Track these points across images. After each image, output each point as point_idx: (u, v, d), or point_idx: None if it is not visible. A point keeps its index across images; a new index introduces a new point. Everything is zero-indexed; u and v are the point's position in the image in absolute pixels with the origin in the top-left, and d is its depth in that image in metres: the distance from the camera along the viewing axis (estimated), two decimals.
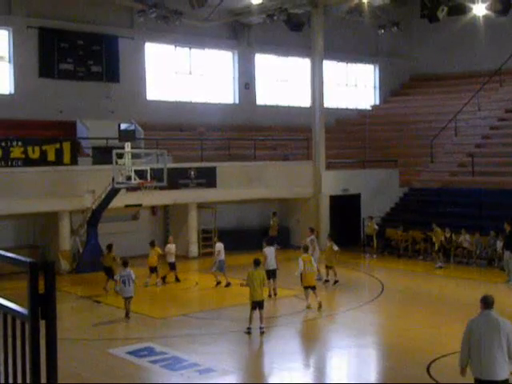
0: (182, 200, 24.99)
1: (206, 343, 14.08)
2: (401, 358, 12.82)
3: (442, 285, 20.59)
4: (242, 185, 26.19)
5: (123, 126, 21.96)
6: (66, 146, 22.59)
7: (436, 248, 23.50)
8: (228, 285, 19.58)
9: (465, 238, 23.46)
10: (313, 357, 13.83)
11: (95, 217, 22.16)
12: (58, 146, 22.43)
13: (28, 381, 3.58)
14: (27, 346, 3.55)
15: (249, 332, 14.23)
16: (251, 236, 26.27)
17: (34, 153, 21.96)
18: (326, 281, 20.29)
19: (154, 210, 26.86)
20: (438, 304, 17.55)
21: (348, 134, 33.82)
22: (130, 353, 13.20)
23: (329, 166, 28.47)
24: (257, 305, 14.30)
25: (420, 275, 22.03)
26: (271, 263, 18.24)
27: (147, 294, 19.28)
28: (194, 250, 25.94)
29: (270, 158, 28.68)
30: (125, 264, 16.38)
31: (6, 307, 3.71)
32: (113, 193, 21.29)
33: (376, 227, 26.00)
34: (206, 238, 26.78)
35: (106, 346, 13.78)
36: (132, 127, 22.34)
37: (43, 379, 3.52)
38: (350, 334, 14.95)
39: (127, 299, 16.11)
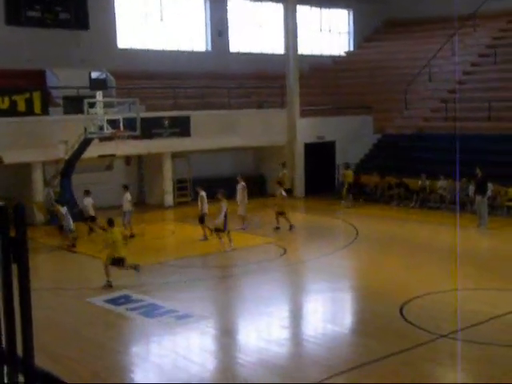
0: (155, 149, 24.82)
1: (182, 290, 14.20)
2: (375, 300, 13.06)
3: (415, 229, 20.87)
4: (217, 133, 26.04)
5: (94, 75, 21.47)
6: (36, 96, 22.16)
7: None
8: (132, 236, 19.10)
9: (441, 186, 23.77)
10: (288, 302, 14.02)
11: (69, 167, 21.95)
12: (27, 95, 21.99)
13: (2, 327, 3.57)
14: None
15: (110, 285, 14.29)
16: (227, 185, 26.24)
17: (4, 103, 21.53)
18: (277, 228, 20.35)
19: (127, 160, 26.63)
20: (411, 248, 17.83)
21: (322, 81, 33.61)
22: (107, 301, 13.28)
23: (303, 114, 28.37)
24: (119, 261, 14.37)
25: (394, 220, 22.31)
26: (205, 207, 18.98)
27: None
28: (169, 199, 25.90)
29: (245, 106, 28.47)
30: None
31: None
32: (85, 143, 21.06)
33: (351, 174, 26.15)
34: (181, 188, 26.75)
35: (82, 294, 13.83)
36: (103, 76, 21.87)
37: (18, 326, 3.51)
38: (325, 278, 15.15)
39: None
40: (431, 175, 24.21)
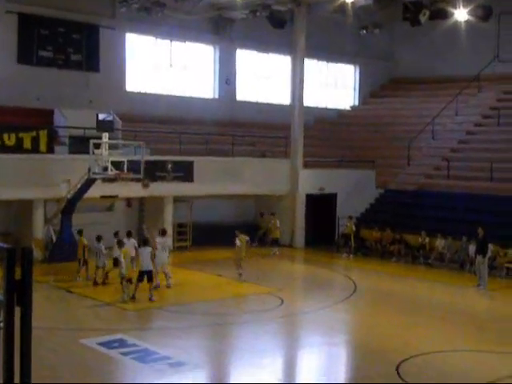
0: (158, 193, 24.87)
1: (177, 336, 14.05)
2: (370, 357, 12.90)
3: (414, 287, 20.74)
4: (219, 180, 26.14)
5: (101, 117, 21.69)
6: (43, 134, 22.37)
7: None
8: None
9: (440, 243, 23.76)
10: (283, 354, 13.87)
11: (70, 206, 21.99)
12: (34, 133, 22.20)
13: (0, 368, 3.55)
14: (0, 333, 3.52)
15: None
16: (226, 231, 26.22)
17: (10, 140, 21.71)
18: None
19: (129, 201, 26.69)
20: (408, 305, 17.69)
21: (326, 134, 33.92)
22: (101, 344, 13.12)
23: (306, 165, 28.54)
24: None
25: (392, 276, 22.18)
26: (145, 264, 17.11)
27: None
28: (169, 243, 25.80)
29: (248, 155, 28.66)
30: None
31: None
32: (88, 183, 21.14)
33: (353, 227, 26.15)
34: (180, 232, 26.71)
35: (77, 336, 13.68)
36: (110, 118, 22.08)
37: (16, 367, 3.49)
38: (321, 332, 15.01)
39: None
40: (431, 233, 24.20)
